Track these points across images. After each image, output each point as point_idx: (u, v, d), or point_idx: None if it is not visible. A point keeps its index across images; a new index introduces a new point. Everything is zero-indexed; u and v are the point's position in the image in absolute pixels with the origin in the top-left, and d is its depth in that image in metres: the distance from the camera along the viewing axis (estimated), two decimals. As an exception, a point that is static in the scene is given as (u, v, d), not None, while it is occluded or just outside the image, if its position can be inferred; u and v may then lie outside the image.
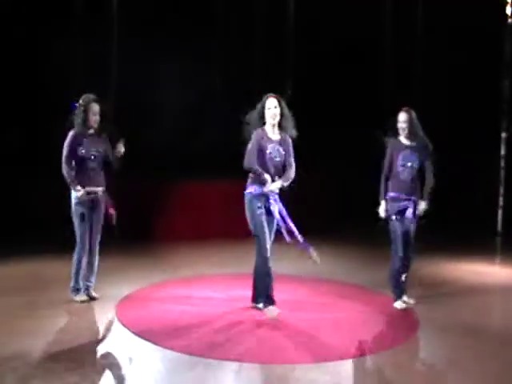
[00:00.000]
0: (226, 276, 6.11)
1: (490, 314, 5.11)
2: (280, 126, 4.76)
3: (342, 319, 4.65)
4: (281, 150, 4.72)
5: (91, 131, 4.95)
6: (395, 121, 5.06)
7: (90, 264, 5.02)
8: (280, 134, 4.78)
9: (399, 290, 5.01)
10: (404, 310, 4.93)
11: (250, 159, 4.64)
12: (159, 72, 9.04)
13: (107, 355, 3.77)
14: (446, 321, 4.67)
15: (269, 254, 4.59)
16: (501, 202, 10.01)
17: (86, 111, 4.87)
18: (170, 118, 8.93)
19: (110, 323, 4.40)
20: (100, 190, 4.99)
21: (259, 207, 4.62)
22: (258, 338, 4.13)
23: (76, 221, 4.91)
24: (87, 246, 4.98)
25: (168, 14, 9.08)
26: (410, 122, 5.01)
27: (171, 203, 8.49)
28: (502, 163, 10.04)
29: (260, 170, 4.61)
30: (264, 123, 4.75)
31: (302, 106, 9.77)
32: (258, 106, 4.76)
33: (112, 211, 5.04)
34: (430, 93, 10.39)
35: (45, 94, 8.31)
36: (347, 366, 3.63)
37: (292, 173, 4.76)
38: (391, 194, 5.02)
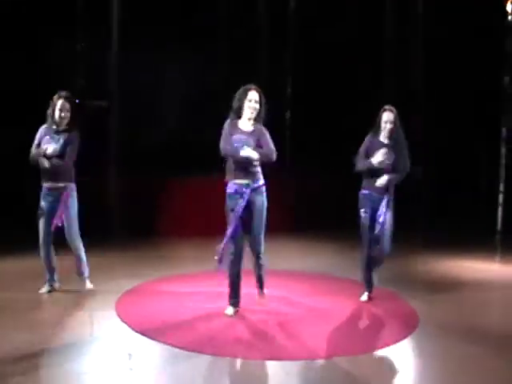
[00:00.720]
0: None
1: (489, 312, 5.12)
2: (255, 119, 4.61)
3: (341, 316, 4.66)
4: (251, 141, 4.52)
5: (59, 128, 4.95)
6: (379, 119, 5.01)
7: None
8: (253, 125, 4.60)
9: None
10: (403, 307, 4.95)
11: (225, 146, 4.53)
12: (161, 71, 9.07)
13: (105, 350, 3.79)
14: (445, 318, 4.69)
15: (241, 252, 4.56)
16: (500, 199, 10.03)
17: (52, 108, 4.93)
18: (171, 116, 8.96)
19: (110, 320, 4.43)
20: (60, 185, 4.95)
21: (232, 210, 4.55)
22: (258, 335, 4.13)
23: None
24: (47, 241, 5.00)
25: (169, 14, 9.09)
26: (395, 121, 4.96)
27: (174, 200, 8.52)
28: (502, 160, 10.06)
29: (233, 148, 4.48)
30: (239, 115, 4.60)
31: (303, 104, 9.91)
32: (237, 97, 4.60)
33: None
34: (430, 91, 10.41)
35: (45, 93, 8.35)
36: (345, 363, 3.64)
37: (268, 151, 4.55)
38: (364, 191, 5.01)
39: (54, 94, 4.98)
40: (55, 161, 4.87)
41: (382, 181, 4.90)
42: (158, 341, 3.92)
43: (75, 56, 8.80)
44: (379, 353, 3.86)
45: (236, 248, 4.55)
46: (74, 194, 5.05)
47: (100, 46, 8.79)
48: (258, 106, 4.57)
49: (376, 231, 4.89)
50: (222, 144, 4.57)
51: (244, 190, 4.52)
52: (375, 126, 5.04)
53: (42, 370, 3.40)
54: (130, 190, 8.29)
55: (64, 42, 8.54)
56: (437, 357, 3.81)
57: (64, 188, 4.96)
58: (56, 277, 5.18)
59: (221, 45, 9.75)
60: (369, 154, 4.97)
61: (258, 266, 4.78)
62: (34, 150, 4.92)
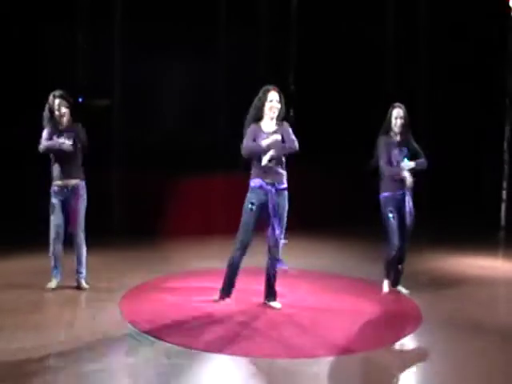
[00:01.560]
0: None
1: (493, 308, 5.11)
2: (277, 118, 4.69)
3: (346, 313, 4.67)
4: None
5: (61, 127, 5.06)
6: (389, 117, 5.10)
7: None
8: (277, 124, 4.68)
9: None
10: (407, 304, 4.95)
11: (247, 146, 4.60)
12: (162, 70, 9.07)
13: (108, 349, 3.79)
14: (449, 315, 4.68)
15: (246, 247, 4.66)
16: (504, 195, 10.01)
17: (50, 108, 5.04)
18: (173, 115, 8.97)
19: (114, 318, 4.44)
20: (72, 182, 5.10)
21: (252, 203, 4.62)
22: (261, 333, 4.14)
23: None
24: (58, 237, 5.13)
25: (171, 13, 9.08)
26: (404, 116, 5.07)
27: (175, 199, 8.53)
28: (506, 157, 10.04)
29: (255, 144, 4.56)
30: (260, 117, 4.66)
31: (305, 102, 9.89)
32: (257, 99, 4.67)
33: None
34: (433, 89, 10.40)
35: (47, 92, 8.36)
36: (350, 361, 3.65)
37: (289, 142, 4.62)
38: (385, 194, 5.13)
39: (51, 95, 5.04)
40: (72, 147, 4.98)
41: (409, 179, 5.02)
42: (161, 339, 3.92)
43: (76, 55, 8.81)
44: (383, 350, 3.86)
45: (248, 239, 4.63)
46: (84, 191, 5.17)
47: (102, 45, 8.80)
48: (279, 105, 4.65)
49: (408, 224, 5.08)
50: (246, 145, 4.61)
51: (270, 188, 4.59)
52: (385, 124, 5.10)
53: (44, 370, 3.40)
54: (130, 189, 8.30)
55: (65, 41, 8.54)
56: (441, 353, 3.81)
57: (76, 185, 5.10)
58: (61, 273, 5.25)
59: (222, 44, 9.75)
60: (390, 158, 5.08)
61: (272, 268, 4.77)
62: (45, 141, 4.98)
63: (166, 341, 3.89)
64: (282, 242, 4.66)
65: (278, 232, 4.60)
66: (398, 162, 5.07)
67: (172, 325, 4.25)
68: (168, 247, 7.63)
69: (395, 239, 5.08)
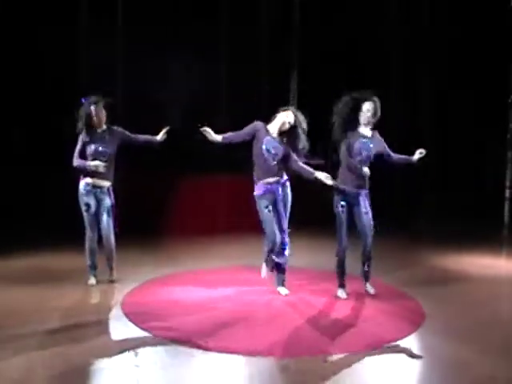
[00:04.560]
0: (235, 268, 6.15)
1: (496, 307, 5.10)
2: None
3: (348, 312, 4.67)
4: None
5: (98, 129, 5.28)
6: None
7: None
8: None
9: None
10: (410, 303, 4.95)
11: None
12: (164, 70, 9.08)
13: (111, 347, 3.81)
14: (451, 314, 4.68)
15: (277, 241, 4.91)
16: (507, 194, 10.00)
17: (86, 114, 5.22)
18: (175, 114, 8.97)
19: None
20: (105, 184, 5.31)
21: (266, 206, 4.91)
22: (262, 331, 4.14)
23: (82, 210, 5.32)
24: (95, 235, 5.37)
25: (174, 12, 9.10)
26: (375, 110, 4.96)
27: (178, 198, 8.54)
28: (509, 155, 10.03)
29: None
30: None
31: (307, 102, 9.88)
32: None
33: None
34: (436, 86, 10.38)
35: (49, 92, 8.38)
36: (352, 359, 3.65)
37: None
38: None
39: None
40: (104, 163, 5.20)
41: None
42: (164, 337, 3.94)
43: (78, 55, 8.83)
44: (385, 349, 3.86)
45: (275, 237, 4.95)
46: (112, 193, 5.40)
47: (103, 45, 8.81)
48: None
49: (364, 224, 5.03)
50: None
51: (274, 187, 4.93)
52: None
53: (47, 367, 3.42)
54: (132, 188, 8.31)
55: (67, 42, 8.56)
56: (443, 352, 3.80)
57: (107, 187, 5.33)
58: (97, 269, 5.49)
59: (224, 44, 9.76)
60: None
61: (283, 256, 5.06)
62: (76, 160, 5.21)
63: (168, 339, 3.90)
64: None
65: (285, 222, 4.99)
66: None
67: (173, 323, 4.25)
68: (170, 246, 7.65)
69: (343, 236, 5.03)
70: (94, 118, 5.20)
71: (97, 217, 5.33)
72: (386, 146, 5.14)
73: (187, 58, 9.03)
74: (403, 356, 3.80)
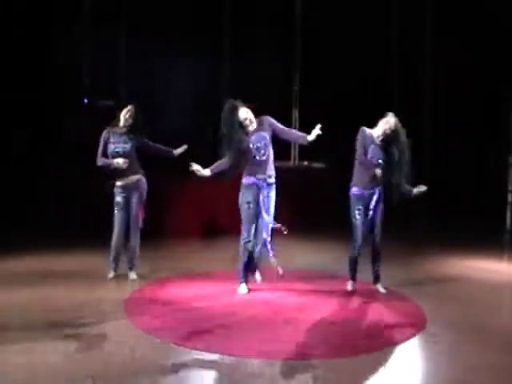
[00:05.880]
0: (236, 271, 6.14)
1: (498, 311, 5.09)
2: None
3: (348, 315, 4.65)
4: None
5: (123, 129, 5.54)
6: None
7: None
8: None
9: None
10: (411, 306, 4.93)
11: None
12: (167, 71, 9.09)
13: (114, 351, 3.79)
14: (453, 317, 4.66)
15: (251, 238, 5.11)
16: (509, 198, 9.98)
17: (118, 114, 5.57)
18: (178, 114, 8.98)
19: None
20: (134, 178, 5.53)
21: (248, 202, 5.05)
22: (263, 334, 4.13)
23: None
24: (121, 232, 5.55)
25: (175, 14, 9.10)
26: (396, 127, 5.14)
27: (180, 199, 8.54)
28: (511, 159, 10.01)
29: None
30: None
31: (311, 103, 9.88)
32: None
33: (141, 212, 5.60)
34: (439, 89, 10.37)
35: (52, 93, 8.40)
36: (352, 363, 3.64)
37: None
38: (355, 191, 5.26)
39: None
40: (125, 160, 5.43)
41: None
42: (166, 340, 3.92)
43: (81, 55, 8.84)
44: (387, 352, 3.84)
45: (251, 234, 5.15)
46: (146, 185, 5.61)
47: (107, 45, 8.82)
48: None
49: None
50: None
51: (261, 183, 5.05)
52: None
53: (50, 369, 3.41)
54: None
55: (70, 42, 8.58)
56: (444, 356, 3.79)
57: (137, 180, 5.54)
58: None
59: (226, 44, 9.76)
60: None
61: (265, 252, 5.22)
62: (100, 159, 5.45)
63: (167, 341, 3.89)
64: (278, 226, 5.03)
65: (267, 220, 5.08)
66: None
67: (174, 325, 4.25)
68: (172, 248, 7.64)
69: (359, 239, 5.19)
70: (122, 118, 5.49)
71: (125, 214, 5.52)
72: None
73: (190, 59, 9.04)
74: (405, 359, 3.79)
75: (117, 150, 5.44)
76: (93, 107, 8.48)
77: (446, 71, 10.32)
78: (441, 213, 9.86)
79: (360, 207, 5.16)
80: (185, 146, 5.66)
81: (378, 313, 4.73)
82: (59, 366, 3.45)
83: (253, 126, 5.09)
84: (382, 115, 5.19)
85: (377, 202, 5.17)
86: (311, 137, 5.03)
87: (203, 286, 5.48)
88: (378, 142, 5.15)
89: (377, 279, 5.41)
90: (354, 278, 5.43)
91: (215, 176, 5.07)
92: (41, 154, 8.20)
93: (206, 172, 5.02)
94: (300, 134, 5.23)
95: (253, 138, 5.05)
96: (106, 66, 8.77)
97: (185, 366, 3.55)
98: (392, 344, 3.98)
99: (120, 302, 4.82)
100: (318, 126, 4.99)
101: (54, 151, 8.08)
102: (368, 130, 5.20)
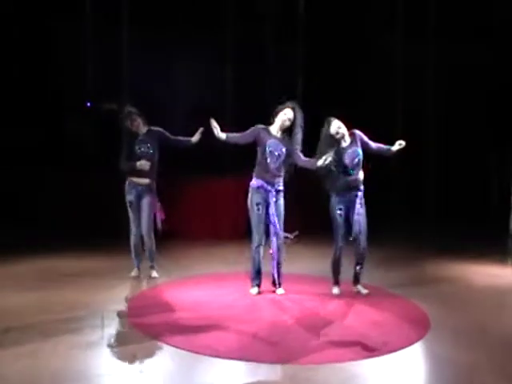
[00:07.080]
0: (238, 274, 6.12)
1: (501, 316, 5.06)
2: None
3: (352, 319, 4.63)
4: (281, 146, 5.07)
5: (139, 133, 5.70)
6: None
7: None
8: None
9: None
10: (415, 311, 4.90)
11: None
12: (170, 73, 9.10)
13: (115, 352, 3.78)
14: (457, 322, 4.64)
15: (262, 243, 5.11)
16: (513, 202, 9.93)
17: (126, 122, 5.70)
18: (181, 116, 8.98)
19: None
20: (145, 181, 5.62)
21: (257, 204, 5.03)
22: (265, 339, 4.11)
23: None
24: (137, 231, 5.66)
25: (179, 13, 9.12)
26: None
27: (184, 201, 8.52)
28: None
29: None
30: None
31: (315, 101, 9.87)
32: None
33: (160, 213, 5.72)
34: (443, 92, 10.37)
35: (58, 94, 8.41)
36: (357, 367, 3.61)
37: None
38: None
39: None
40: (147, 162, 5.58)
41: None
42: (168, 343, 3.91)
43: (85, 60, 8.86)
44: (391, 356, 3.82)
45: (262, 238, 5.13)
46: (155, 191, 5.72)
47: (110, 49, 8.84)
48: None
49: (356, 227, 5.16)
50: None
51: (270, 188, 5.04)
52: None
53: (50, 372, 3.40)
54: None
55: (74, 44, 8.60)
56: (448, 360, 3.77)
57: (149, 183, 5.62)
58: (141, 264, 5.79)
59: (229, 44, 9.78)
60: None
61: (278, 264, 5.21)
62: (124, 163, 5.59)
63: (172, 345, 3.88)
64: (286, 235, 5.10)
65: (278, 227, 5.06)
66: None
67: (179, 329, 4.23)
68: (174, 250, 7.62)
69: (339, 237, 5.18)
70: (133, 128, 5.62)
71: (139, 213, 5.59)
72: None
73: (192, 60, 9.05)
74: (410, 364, 3.77)
75: (142, 151, 5.57)
76: (96, 110, 8.51)
77: (448, 74, 10.32)
78: (444, 217, 9.84)
79: (341, 207, 5.14)
80: (202, 129, 5.60)
81: (382, 318, 4.70)
82: (61, 368, 3.43)
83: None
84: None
85: (360, 204, 5.14)
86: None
87: (208, 289, 5.47)
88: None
89: (357, 280, 5.39)
90: (337, 282, 5.38)
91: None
92: (41, 153, 8.21)
93: (222, 135, 4.98)
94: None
95: (272, 143, 5.04)
96: (109, 71, 8.79)
97: (187, 369, 3.54)
98: (395, 349, 3.95)
99: (123, 304, 4.82)
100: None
101: (56, 151, 8.09)
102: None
